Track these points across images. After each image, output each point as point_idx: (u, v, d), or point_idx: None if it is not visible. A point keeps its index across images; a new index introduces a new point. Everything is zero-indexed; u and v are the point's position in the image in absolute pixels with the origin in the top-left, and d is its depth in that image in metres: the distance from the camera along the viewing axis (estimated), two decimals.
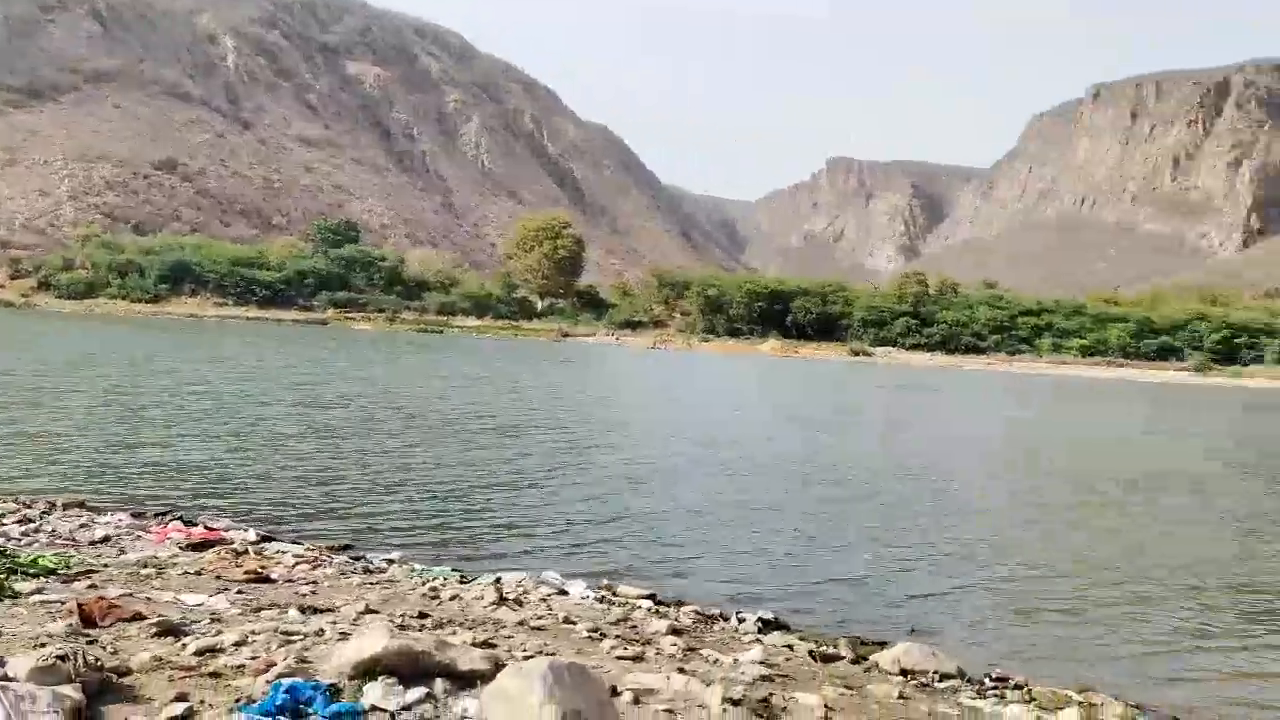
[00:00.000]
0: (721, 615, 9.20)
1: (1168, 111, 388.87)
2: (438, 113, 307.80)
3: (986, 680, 7.71)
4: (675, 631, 7.99)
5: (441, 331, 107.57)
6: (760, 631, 8.66)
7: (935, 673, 7.53)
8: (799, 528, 14.68)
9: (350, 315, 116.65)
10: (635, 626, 8.15)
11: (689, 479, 18.70)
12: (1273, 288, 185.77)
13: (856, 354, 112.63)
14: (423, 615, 7.49)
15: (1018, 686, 7.58)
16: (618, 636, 7.55)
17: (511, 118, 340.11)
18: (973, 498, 19.11)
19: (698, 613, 9.12)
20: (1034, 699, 7.18)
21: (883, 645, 8.41)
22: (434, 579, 9.34)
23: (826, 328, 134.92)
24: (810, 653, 7.86)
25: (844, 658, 7.87)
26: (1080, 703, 7.06)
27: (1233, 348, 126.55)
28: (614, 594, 9.63)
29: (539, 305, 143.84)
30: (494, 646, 6.61)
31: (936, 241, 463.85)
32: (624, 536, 13.29)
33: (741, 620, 9.01)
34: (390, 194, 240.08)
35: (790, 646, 8.01)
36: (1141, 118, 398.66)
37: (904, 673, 7.52)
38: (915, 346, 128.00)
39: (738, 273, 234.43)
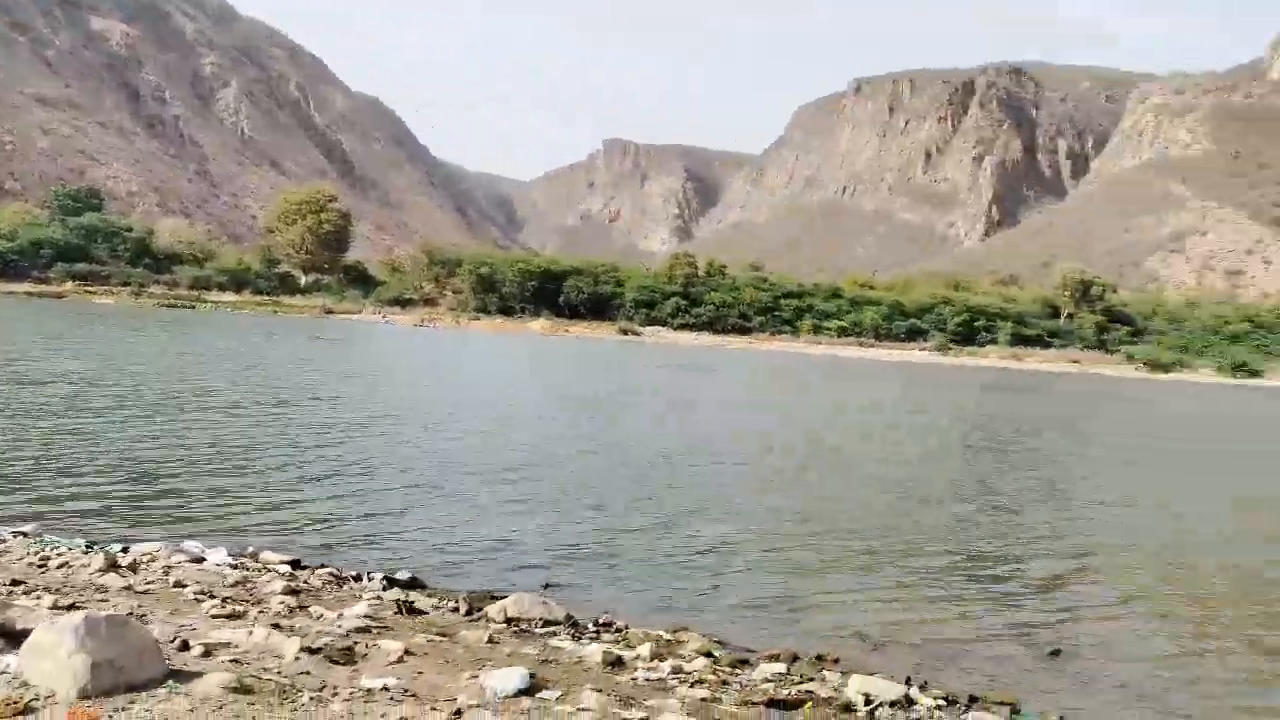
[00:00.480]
0: (355, 576, 9.32)
1: (921, 107, 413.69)
2: (192, 75, 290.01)
3: (590, 626, 8.18)
4: (292, 592, 8.06)
5: (194, 307, 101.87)
6: (385, 589, 8.83)
7: (540, 620, 7.92)
8: (522, 500, 14.94)
9: (91, 289, 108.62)
10: (252, 589, 8.15)
11: (426, 456, 18.54)
12: (1007, 275, 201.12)
13: (626, 333, 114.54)
14: (16, 583, 7.25)
15: (617, 630, 8.08)
16: (226, 598, 7.53)
17: (275, 84, 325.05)
18: (718, 470, 19.83)
19: (333, 574, 9.21)
20: (625, 639, 7.68)
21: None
22: (51, 549, 8.98)
23: (599, 307, 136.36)
24: (403, 604, 8.08)
25: (458, 610, 8.15)
26: (662, 639, 7.62)
27: (972, 330, 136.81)
28: (255, 560, 9.57)
29: (303, 281, 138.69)
30: (81, 609, 6.47)
31: (709, 225, 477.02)
32: (320, 511, 13.13)
33: (371, 579, 9.15)
34: (139, 160, 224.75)
35: (409, 602, 8.22)
36: (898, 112, 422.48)
37: (509, 621, 7.86)
38: (685, 326, 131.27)
39: (514, 251, 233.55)
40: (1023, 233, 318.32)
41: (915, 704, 6.99)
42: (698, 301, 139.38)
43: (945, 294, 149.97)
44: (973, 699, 7.59)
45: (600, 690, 5.84)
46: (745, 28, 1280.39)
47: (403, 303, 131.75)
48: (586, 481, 16.98)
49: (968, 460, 26.03)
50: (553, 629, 7.77)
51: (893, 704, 6.78)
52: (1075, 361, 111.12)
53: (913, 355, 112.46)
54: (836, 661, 8.12)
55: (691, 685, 6.50)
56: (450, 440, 21.05)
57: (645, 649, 7.12)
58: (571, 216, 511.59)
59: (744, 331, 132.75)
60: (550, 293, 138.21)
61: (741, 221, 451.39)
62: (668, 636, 7.90)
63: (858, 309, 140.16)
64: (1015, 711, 7.52)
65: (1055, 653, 9.38)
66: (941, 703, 7.15)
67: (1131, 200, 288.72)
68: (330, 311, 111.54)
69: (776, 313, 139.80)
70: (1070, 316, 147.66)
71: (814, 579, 11.68)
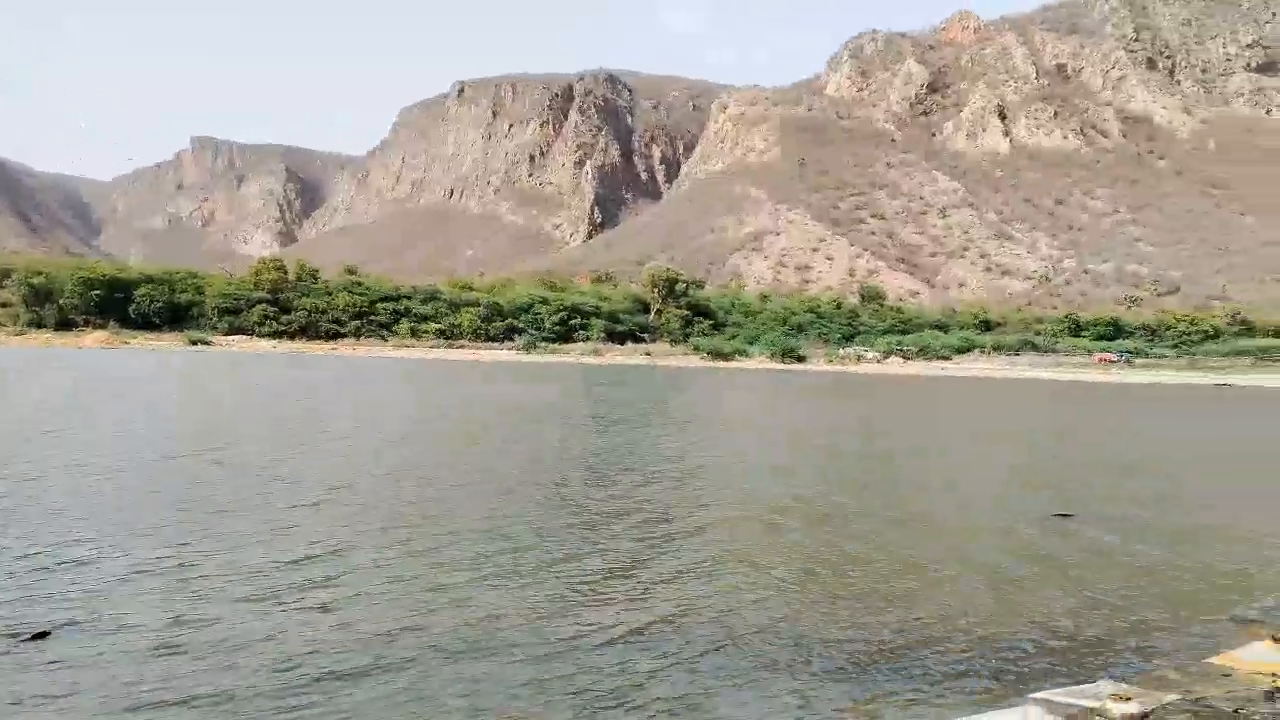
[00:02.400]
0: None
1: (524, 112, 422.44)
2: None
3: None
4: None
5: None
6: None
7: None
8: None
9: None
10: None
11: None
12: (603, 273, 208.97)
13: (195, 343, 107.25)
14: None
15: None
16: None
17: None
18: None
19: None
20: None
21: None
22: None
23: (178, 317, 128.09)
24: None
25: None
26: None
27: (568, 328, 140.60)
28: None
29: None
30: None
31: (314, 228, 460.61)
32: None
33: None
34: None
35: None
36: (501, 116, 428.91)
37: None
38: (274, 334, 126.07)
39: (89, 259, 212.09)
40: (622, 233, 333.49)
41: None
42: (287, 308, 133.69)
43: (543, 294, 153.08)
44: None
45: None
46: (345, 25, 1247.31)
47: None
48: None
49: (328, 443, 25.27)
50: None
51: None
52: (648, 354, 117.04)
53: (501, 355, 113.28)
54: None
55: None
56: None
57: None
58: (159, 219, 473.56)
59: (338, 337, 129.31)
60: (120, 303, 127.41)
61: (348, 224, 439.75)
62: None
63: (456, 311, 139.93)
64: None
65: (41, 635, 9.30)
66: None
67: (716, 203, 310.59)
68: None
69: (372, 317, 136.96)
70: (659, 312, 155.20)
71: None
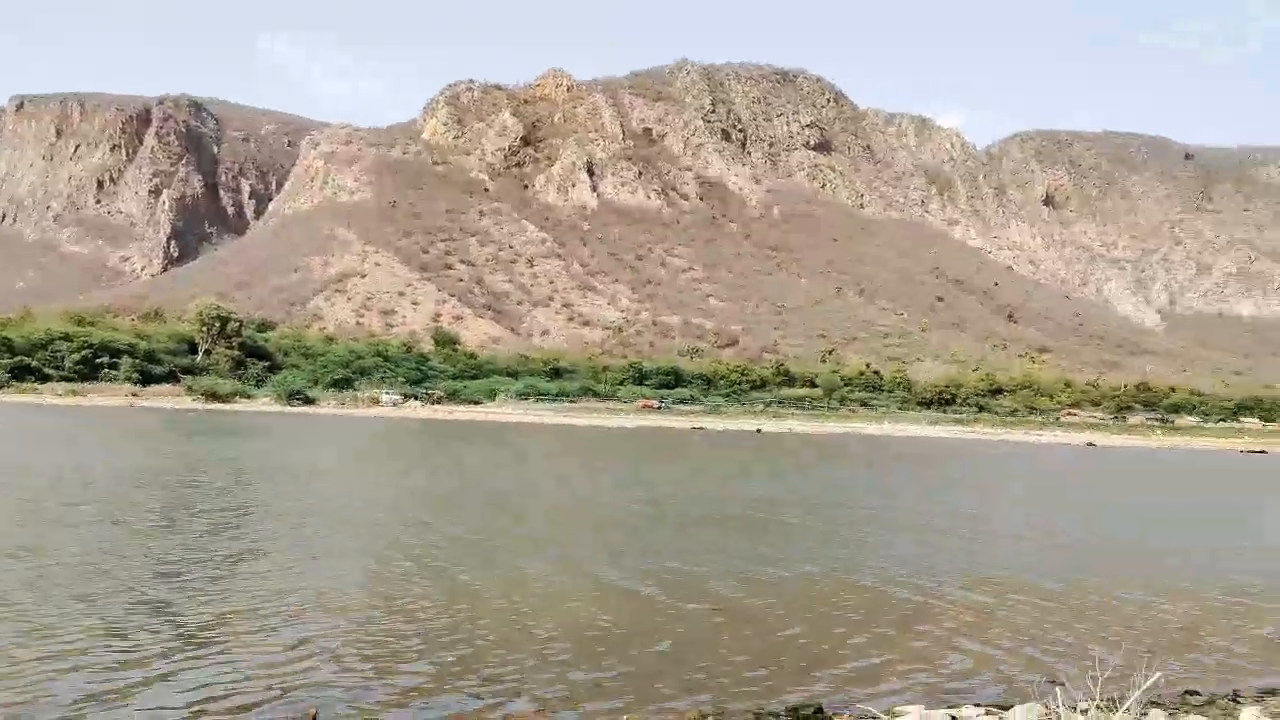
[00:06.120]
0: None
1: (92, 133, 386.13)
2: None
3: None
4: None
5: None
6: None
7: None
8: None
9: None
10: None
11: None
12: (152, 310, 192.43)
13: None
14: None
15: None
16: None
17: None
18: None
19: None
20: None
21: None
22: None
23: None
24: None
25: None
26: None
27: (94, 367, 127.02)
28: None
29: None
30: None
31: None
32: None
33: None
34: None
35: None
36: (66, 136, 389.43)
37: None
38: None
39: None
40: (199, 269, 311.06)
41: None
42: None
43: (65, 329, 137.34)
44: None
45: None
46: None
47: None
48: None
49: None
50: None
51: None
52: (134, 395, 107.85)
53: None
54: None
55: None
56: None
57: None
58: None
59: None
60: None
61: None
62: None
63: None
64: None
65: None
66: None
67: (303, 241, 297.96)
68: None
69: None
70: (207, 352, 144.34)
71: None
